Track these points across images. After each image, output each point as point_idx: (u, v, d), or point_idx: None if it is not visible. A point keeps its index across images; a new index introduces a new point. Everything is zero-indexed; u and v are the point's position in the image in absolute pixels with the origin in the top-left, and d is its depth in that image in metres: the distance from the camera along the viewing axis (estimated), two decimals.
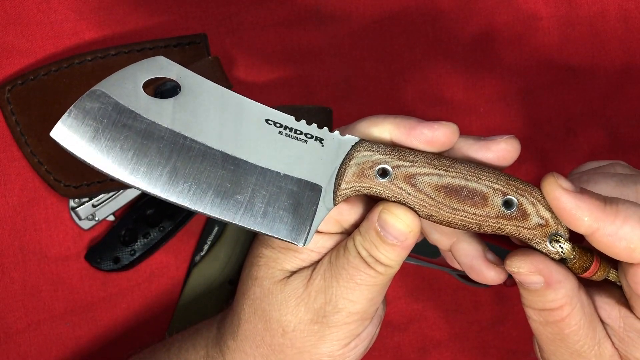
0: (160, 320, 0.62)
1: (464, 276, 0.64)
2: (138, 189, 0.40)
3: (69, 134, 0.39)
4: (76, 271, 0.60)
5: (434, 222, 0.42)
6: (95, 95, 0.40)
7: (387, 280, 0.44)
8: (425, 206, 0.41)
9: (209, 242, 0.61)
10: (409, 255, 0.62)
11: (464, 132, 0.43)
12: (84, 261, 0.60)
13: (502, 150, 0.42)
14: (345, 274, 0.43)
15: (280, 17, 0.62)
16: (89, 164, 0.39)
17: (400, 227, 0.41)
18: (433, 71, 0.64)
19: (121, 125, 0.40)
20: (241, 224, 0.41)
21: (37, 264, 0.60)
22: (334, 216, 0.44)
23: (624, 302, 0.42)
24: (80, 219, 0.59)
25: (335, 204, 0.42)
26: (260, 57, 0.62)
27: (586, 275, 0.41)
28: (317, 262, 0.45)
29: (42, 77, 0.58)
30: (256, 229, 0.41)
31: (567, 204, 0.39)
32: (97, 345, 0.61)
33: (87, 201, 0.59)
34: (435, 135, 0.41)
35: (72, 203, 0.59)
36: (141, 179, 0.40)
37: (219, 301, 0.61)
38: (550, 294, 0.41)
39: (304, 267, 0.45)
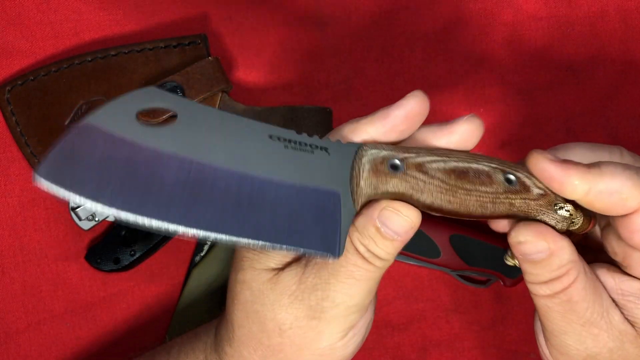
0: (160, 320, 0.62)
1: (463, 276, 0.64)
2: (148, 228, 0.37)
3: (56, 176, 0.35)
4: (76, 271, 0.60)
5: (452, 210, 0.43)
6: (84, 129, 0.36)
7: (382, 272, 0.44)
8: (442, 191, 0.42)
9: (208, 243, 0.61)
10: (410, 256, 0.62)
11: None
12: (84, 261, 0.60)
13: (465, 131, 0.43)
14: (344, 271, 0.43)
15: (280, 17, 0.62)
16: (84, 205, 0.36)
17: (403, 223, 0.42)
18: (433, 71, 0.64)
19: (118, 158, 0.36)
20: (267, 242, 0.39)
21: (37, 264, 0.60)
22: None
23: (615, 268, 0.44)
24: (80, 219, 0.59)
25: (356, 207, 0.42)
26: (260, 57, 0.62)
27: (590, 228, 0.44)
28: (301, 259, 0.45)
29: (42, 77, 0.58)
30: (285, 246, 0.40)
31: (556, 172, 0.41)
32: (97, 346, 0.61)
33: None
34: (409, 109, 0.43)
35: (72, 203, 0.59)
36: (150, 215, 0.36)
37: (219, 302, 0.61)
38: (556, 260, 0.42)
39: (290, 263, 0.45)
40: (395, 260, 0.62)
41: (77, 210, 0.59)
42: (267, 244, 0.39)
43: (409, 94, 0.43)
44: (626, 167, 0.41)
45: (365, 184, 0.42)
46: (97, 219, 0.59)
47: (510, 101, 0.64)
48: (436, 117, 0.63)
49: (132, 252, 0.60)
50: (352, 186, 0.42)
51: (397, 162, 0.42)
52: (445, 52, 0.64)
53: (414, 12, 0.64)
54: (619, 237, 0.42)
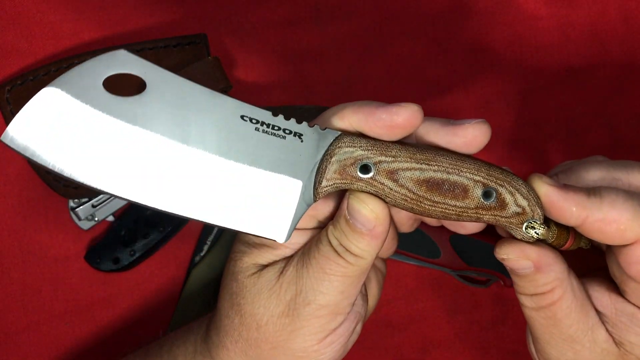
0: (160, 320, 0.62)
1: (463, 276, 0.64)
2: (108, 193, 0.38)
3: (22, 141, 0.37)
4: (76, 271, 0.60)
5: (414, 213, 0.42)
6: (50, 95, 0.37)
7: (358, 273, 0.43)
8: (406, 200, 0.41)
9: (208, 243, 0.61)
10: (410, 256, 0.62)
11: None
12: (83, 261, 0.60)
13: (469, 136, 0.41)
14: (316, 263, 0.42)
15: (280, 17, 0.62)
16: (48, 168, 0.37)
17: (365, 213, 0.41)
18: (433, 71, 0.64)
19: (82, 127, 0.37)
20: (219, 224, 0.40)
21: (37, 264, 0.60)
22: (309, 212, 0.43)
23: (614, 287, 0.43)
24: (79, 219, 0.59)
25: (315, 200, 0.41)
26: (260, 57, 0.62)
27: (564, 248, 0.42)
28: (290, 257, 0.45)
29: (42, 77, 0.58)
30: (236, 228, 0.40)
31: (554, 197, 0.40)
32: (97, 345, 0.61)
33: (87, 201, 0.59)
34: (394, 120, 0.40)
35: (71, 203, 0.59)
36: (107, 187, 0.37)
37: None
38: (541, 278, 0.41)
39: (277, 261, 0.45)
40: (396, 260, 0.62)
41: (76, 210, 0.59)
42: (216, 224, 0.40)
43: (405, 105, 0.40)
44: (628, 196, 0.39)
45: (329, 183, 0.41)
46: (96, 219, 0.59)
47: (510, 101, 0.64)
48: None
49: (132, 252, 0.60)
50: (315, 179, 0.41)
51: (369, 164, 0.40)
52: (445, 52, 0.64)
53: (413, 11, 0.64)
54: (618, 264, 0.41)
